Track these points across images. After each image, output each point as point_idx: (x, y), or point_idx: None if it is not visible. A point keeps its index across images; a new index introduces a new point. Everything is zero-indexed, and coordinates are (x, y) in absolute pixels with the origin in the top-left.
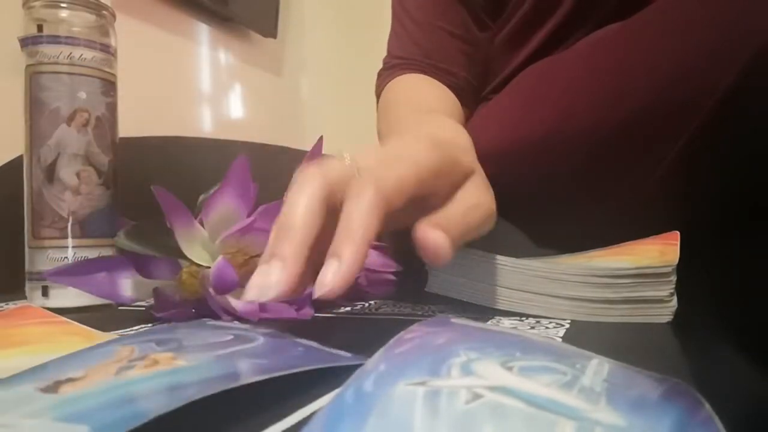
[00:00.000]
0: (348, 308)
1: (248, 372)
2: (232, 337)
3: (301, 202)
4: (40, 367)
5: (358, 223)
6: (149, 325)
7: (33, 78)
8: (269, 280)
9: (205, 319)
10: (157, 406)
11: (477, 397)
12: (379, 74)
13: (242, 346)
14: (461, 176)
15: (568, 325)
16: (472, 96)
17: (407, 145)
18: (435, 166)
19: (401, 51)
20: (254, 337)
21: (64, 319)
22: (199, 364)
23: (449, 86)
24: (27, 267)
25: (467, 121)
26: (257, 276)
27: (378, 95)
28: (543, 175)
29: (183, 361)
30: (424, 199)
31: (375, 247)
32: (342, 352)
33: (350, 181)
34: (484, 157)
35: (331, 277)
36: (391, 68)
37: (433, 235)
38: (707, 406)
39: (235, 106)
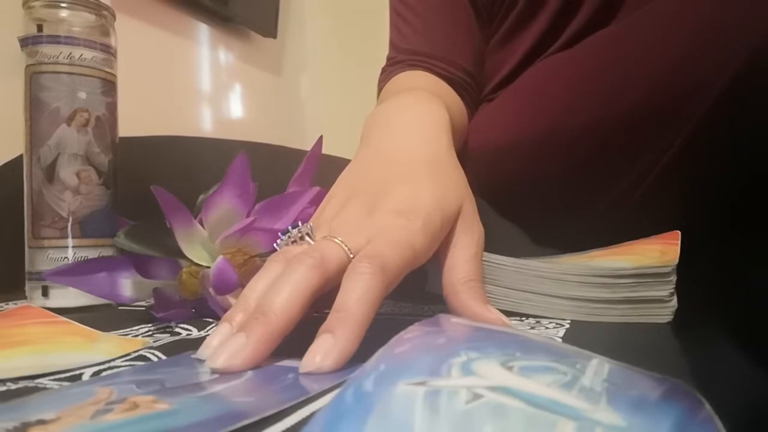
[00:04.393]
0: None
1: (233, 415)
2: (217, 375)
3: (288, 293)
4: (10, 406)
5: (357, 303)
6: (149, 325)
7: (33, 78)
8: (233, 349)
9: (189, 353)
10: None
11: (477, 397)
12: (383, 70)
13: (227, 384)
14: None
15: (568, 325)
16: (474, 92)
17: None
18: (430, 251)
19: (405, 44)
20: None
21: (64, 319)
22: (181, 407)
23: (454, 80)
24: (27, 267)
25: (469, 120)
26: (220, 339)
27: (380, 90)
28: (546, 172)
29: (165, 405)
30: None
31: None
32: (331, 375)
33: (350, 264)
34: (488, 155)
35: (322, 357)
36: (396, 64)
37: (494, 316)
38: (707, 406)
39: (235, 106)
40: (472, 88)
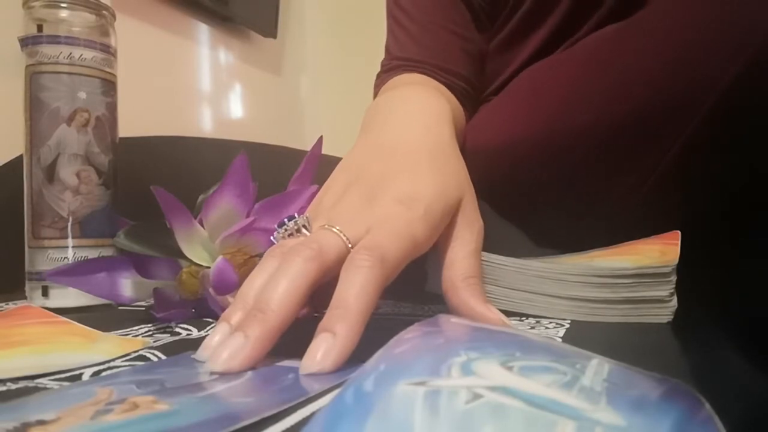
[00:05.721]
0: None
1: (233, 415)
2: (217, 375)
3: (285, 288)
4: (10, 406)
5: (356, 298)
6: (149, 325)
7: (33, 78)
8: (232, 350)
9: (189, 353)
10: None
11: (477, 397)
12: (378, 76)
13: (227, 384)
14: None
15: (568, 325)
16: (473, 97)
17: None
18: (431, 241)
19: (401, 52)
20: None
21: (64, 319)
22: (181, 408)
23: (452, 87)
24: (27, 267)
25: (467, 123)
26: (218, 339)
27: (376, 95)
28: (545, 172)
29: (164, 405)
30: None
31: None
32: (331, 375)
33: (349, 255)
34: (486, 154)
35: (322, 356)
36: (391, 70)
37: (494, 316)
38: (707, 406)
39: (235, 106)
40: (470, 94)
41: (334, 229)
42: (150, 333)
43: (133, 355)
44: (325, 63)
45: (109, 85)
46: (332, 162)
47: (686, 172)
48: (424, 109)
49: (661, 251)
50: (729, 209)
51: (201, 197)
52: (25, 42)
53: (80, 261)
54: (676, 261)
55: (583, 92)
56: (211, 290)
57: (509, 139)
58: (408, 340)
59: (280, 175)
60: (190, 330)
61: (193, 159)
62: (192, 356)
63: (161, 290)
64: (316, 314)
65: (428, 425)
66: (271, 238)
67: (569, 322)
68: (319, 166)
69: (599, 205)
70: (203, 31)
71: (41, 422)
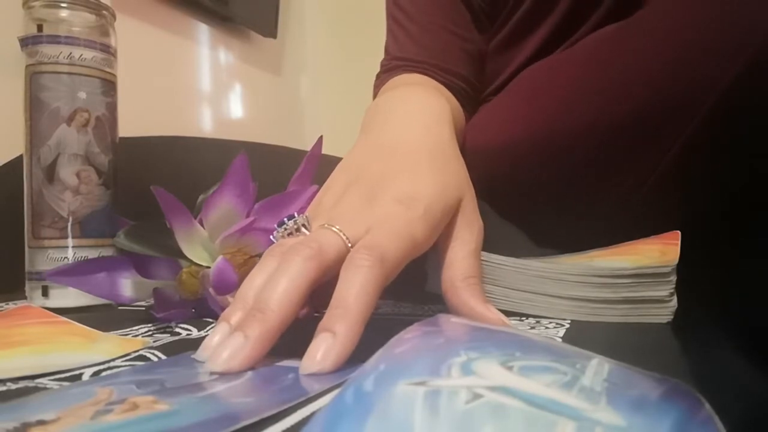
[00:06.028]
0: None
1: (233, 415)
2: (217, 375)
3: (284, 287)
4: (10, 406)
5: (355, 298)
6: (149, 324)
7: (33, 78)
8: (232, 350)
9: (189, 353)
10: None
11: (477, 397)
12: (378, 76)
13: (227, 384)
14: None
15: (568, 325)
16: (472, 97)
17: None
18: (431, 241)
19: (401, 52)
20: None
21: (64, 319)
22: (181, 408)
23: (451, 87)
24: (27, 267)
25: (467, 123)
26: (218, 339)
27: (375, 96)
28: (545, 172)
29: (164, 405)
30: None
31: None
32: (331, 375)
33: (348, 255)
34: (486, 154)
35: (322, 356)
36: (390, 70)
37: (494, 316)
38: (707, 406)
39: (235, 106)
40: (469, 94)
41: (334, 228)
42: (150, 333)
43: (133, 355)
44: (325, 63)
45: (109, 85)
46: (332, 162)
47: (686, 172)
48: (424, 109)
49: (661, 251)
50: (729, 209)
51: (201, 197)
52: (25, 42)
53: (80, 261)
54: (676, 261)
55: (583, 92)
56: (211, 290)
57: (509, 139)
58: (408, 340)
59: (280, 175)
60: (190, 330)
61: (193, 159)
62: (192, 356)
63: (161, 290)
64: (316, 314)
65: (428, 425)
66: (271, 237)
67: (569, 322)
68: (319, 166)
69: (599, 205)
70: (203, 31)
71: (41, 422)
